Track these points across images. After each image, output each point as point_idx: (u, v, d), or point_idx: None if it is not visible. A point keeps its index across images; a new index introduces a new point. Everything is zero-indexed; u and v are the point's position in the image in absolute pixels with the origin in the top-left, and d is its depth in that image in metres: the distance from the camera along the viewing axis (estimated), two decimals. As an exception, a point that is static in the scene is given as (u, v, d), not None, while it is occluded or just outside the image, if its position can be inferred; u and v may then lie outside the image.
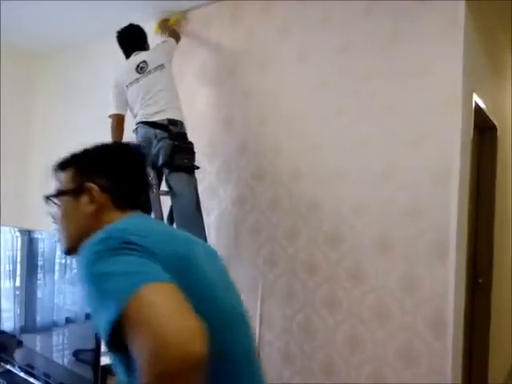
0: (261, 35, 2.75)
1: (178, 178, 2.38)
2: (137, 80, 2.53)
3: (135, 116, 2.53)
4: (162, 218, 2.33)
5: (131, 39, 2.65)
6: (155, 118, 2.37)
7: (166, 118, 2.35)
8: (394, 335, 2.13)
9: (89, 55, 3.90)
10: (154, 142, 2.35)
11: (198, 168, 2.45)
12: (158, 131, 2.34)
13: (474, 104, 2.29)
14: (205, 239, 2.43)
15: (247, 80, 2.79)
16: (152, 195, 2.33)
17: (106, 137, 3.63)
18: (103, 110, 3.67)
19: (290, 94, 2.58)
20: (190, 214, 2.38)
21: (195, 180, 2.47)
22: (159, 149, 2.33)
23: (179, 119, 2.44)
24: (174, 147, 2.31)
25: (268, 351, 2.56)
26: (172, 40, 2.71)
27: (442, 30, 2.11)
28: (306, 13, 2.56)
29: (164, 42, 2.71)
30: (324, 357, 2.35)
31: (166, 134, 2.32)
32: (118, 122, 2.61)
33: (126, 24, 3.40)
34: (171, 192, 2.41)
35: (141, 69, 2.53)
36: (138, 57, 2.62)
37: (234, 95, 2.84)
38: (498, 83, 3.15)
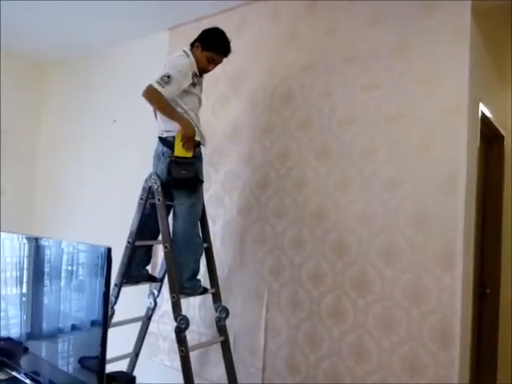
0: (265, 45, 2.77)
1: (178, 197, 2.36)
2: None
3: None
4: (167, 226, 2.34)
5: None
6: (165, 135, 2.36)
7: (172, 135, 2.34)
8: (399, 345, 2.12)
9: (95, 64, 3.95)
10: (162, 158, 2.35)
11: (201, 182, 2.40)
12: (165, 149, 2.33)
13: (480, 113, 2.28)
14: (196, 261, 2.38)
15: (252, 87, 2.80)
16: (158, 204, 2.34)
17: (111, 141, 3.68)
18: (108, 117, 3.73)
19: (297, 103, 2.59)
20: (182, 235, 2.35)
21: (198, 197, 2.41)
22: (163, 166, 2.32)
23: None
24: (171, 161, 2.28)
25: (273, 360, 2.55)
26: (180, 54, 2.39)
27: (448, 39, 2.12)
28: (311, 23, 2.58)
29: (178, 55, 2.38)
30: (329, 367, 2.34)
31: (170, 152, 2.30)
32: None
33: (132, 34, 3.45)
34: (173, 209, 2.41)
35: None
36: None
37: (240, 104, 2.85)
38: (505, 92, 3.13)
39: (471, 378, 2.28)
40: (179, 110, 2.33)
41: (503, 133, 2.93)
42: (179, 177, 2.28)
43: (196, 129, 2.39)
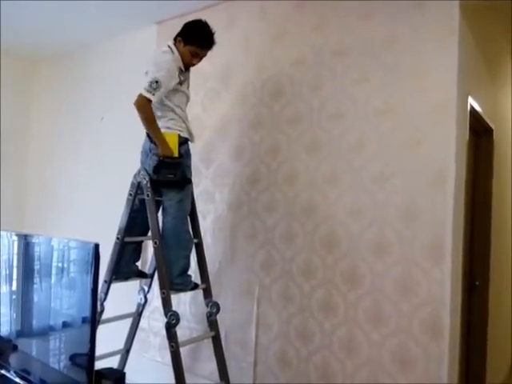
0: (255, 40, 2.75)
1: (166, 193, 2.34)
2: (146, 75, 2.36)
3: None
4: (157, 222, 2.32)
5: None
6: None
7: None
8: (389, 339, 2.13)
9: (86, 61, 3.91)
10: (150, 155, 2.32)
11: (188, 182, 2.38)
12: (152, 145, 2.30)
13: (469, 107, 2.29)
14: (186, 257, 2.37)
15: (241, 83, 2.79)
16: (147, 199, 2.33)
17: (101, 138, 3.65)
18: (98, 113, 3.70)
19: (287, 97, 2.58)
20: (171, 231, 2.33)
21: (187, 192, 2.39)
22: (152, 162, 2.29)
23: (172, 132, 2.31)
24: (158, 164, 2.25)
25: (264, 355, 2.55)
26: (164, 50, 2.34)
27: (437, 33, 2.12)
28: (300, 20, 2.57)
29: (163, 51, 2.34)
30: (320, 360, 2.35)
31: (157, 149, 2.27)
32: None
33: (119, 30, 3.42)
34: (162, 205, 2.40)
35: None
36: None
37: (229, 99, 2.84)
38: (495, 86, 3.15)
39: (460, 370, 2.30)
40: (166, 108, 2.30)
41: (492, 126, 2.94)
42: (165, 180, 2.27)
43: (184, 125, 2.38)
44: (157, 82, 2.20)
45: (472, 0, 2.15)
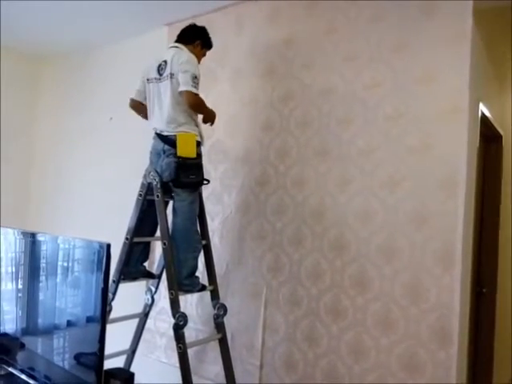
0: (264, 43, 2.76)
1: (179, 194, 2.34)
2: (155, 80, 2.40)
3: (150, 117, 2.47)
4: (166, 222, 2.33)
5: (180, 33, 2.49)
6: (165, 133, 2.33)
7: (174, 133, 2.30)
8: (398, 344, 2.12)
9: (92, 61, 3.92)
10: (163, 156, 2.33)
11: (207, 182, 2.42)
12: (166, 147, 2.31)
13: (480, 113, 2.29)
14: (195, 258, 2.38)
15: (251, 85, 2.80)
16: (157, 200, 2.33)
17: (108, 138, 3.66)
18: (105, 114, 3.70)
19: (297, 101, 2.59)
20: (181, 232, 2.34)
21: (197, 193, 2.42)
22: (166, 163, 2.30)
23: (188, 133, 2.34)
24: (179, 165, 2.26)
25: (271, 358, 2.55)
26: (186, 51, 2.39)
27: (449, 40, 2.12)
28: (311, 22, 2.57)
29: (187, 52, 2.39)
30: (327, 364, 2.34)
31: (173, 150, 2.28)
32: (133, 106, 2.56)
33: (129, 31, 3.45)
34: (173, 206, 2.40)
35: (161, 69, 2.37)
36: (166, 52, 2.40)
37: (239, 102, 2.85)
38: (504, 93, 3.15)
39: (468, 377, 2.29)
40: (182, 109, 2.32)
41: (502, 132, 2.94)
42: (187, 181, 2.29)
43: (196, 128, 2.40)
44: (196, 77, 2.28)
45: (485, 0, 2.13)
